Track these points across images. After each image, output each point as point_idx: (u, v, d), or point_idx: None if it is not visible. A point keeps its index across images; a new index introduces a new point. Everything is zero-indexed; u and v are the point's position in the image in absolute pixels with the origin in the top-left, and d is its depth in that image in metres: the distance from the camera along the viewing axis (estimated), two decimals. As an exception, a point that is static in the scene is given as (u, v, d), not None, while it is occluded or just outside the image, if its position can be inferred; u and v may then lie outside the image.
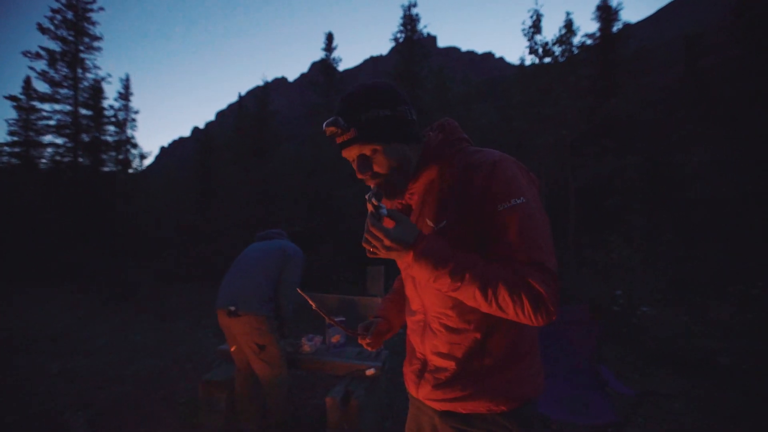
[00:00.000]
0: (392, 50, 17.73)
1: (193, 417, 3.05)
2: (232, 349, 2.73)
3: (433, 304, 1.05)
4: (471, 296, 0.86)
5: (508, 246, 0.86)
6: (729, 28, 10.91)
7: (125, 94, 22.74)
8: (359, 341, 1.24)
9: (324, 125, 0.95)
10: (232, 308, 2.55)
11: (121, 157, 19.32)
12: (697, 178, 8.50)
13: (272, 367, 2.62)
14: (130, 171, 20.06)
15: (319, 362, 2.92)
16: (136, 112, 21.67)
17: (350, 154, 0.99)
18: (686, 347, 4.17)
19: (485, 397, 0.99)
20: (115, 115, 18.40)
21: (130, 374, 4.13)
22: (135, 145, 20.10)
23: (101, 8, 16.49)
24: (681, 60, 18.82)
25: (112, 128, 18.12)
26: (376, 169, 0.98)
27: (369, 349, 1.24)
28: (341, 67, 22.87)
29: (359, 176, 1.00)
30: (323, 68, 22.84)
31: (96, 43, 16.46)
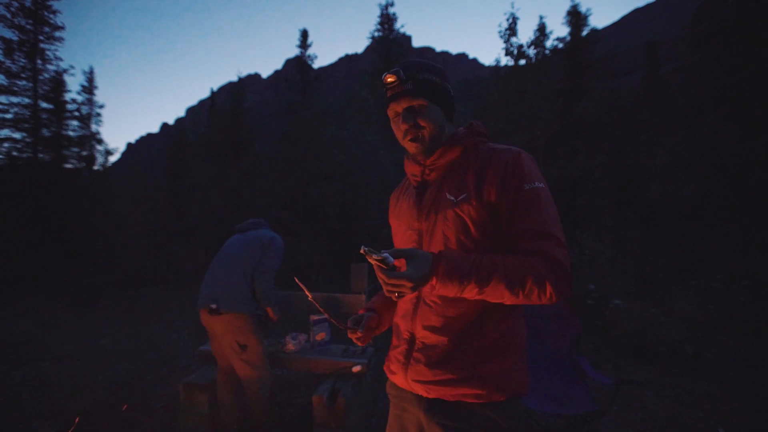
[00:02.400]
0: (367, 48, 17.67)
1: (173, 421, 2.95)
2: (212, 350, 2.66)
3: None
4: (499, 297, 0.91)
5: (531, 220, 0.96)
6: (687, 36, 11.55)
7: (89, 88, 21.61)
8: (349, 335, 1.22)
9: (385, 74, 1.09)
10: (213, 306, 2.48)
11: (85, 153, 18.37)
12: (659, 177, 8.96)
13: (254, 367, 2.56)
14: (95, 168, 19.11)
15: (304, 360, 2.89)
16: (101, 107, 20.64)
17: (399, 105, 1.09)
18: (655, 338, 4.39)
19: (477, 384, 0.98)
20: (78, 109, 17.44)
21: (102, 381, 3.95)
22: (100, 141, 19.13)
23: (63, -4, 15.58)
24: (643, 66, 19.81)
25: (74, 123, 17.19)
26: (419, 121, 1.07)
27: (359, 344, 1.22)
28: (316, 65, 22.66)
29: (403, 126, 1.08)
30: (298, 65, 22.56)
31: (57, 33, 15.54)
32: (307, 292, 1.13)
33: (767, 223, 8.26)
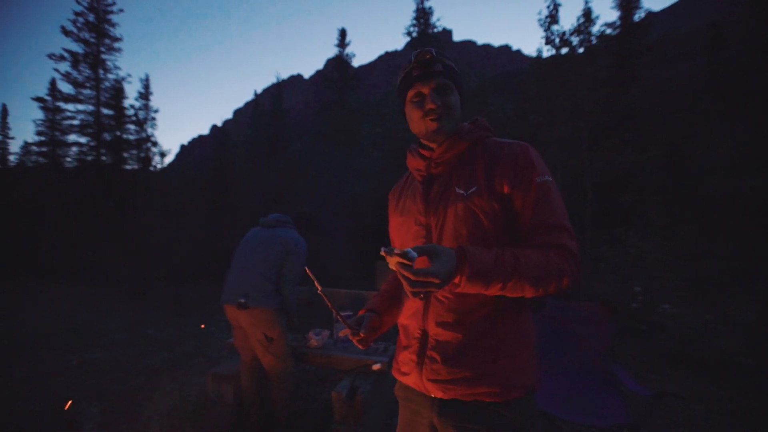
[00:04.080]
0: (407, 45, 17.59)
1: (203, 409, 3.09)
2: (236, 343, 2.77)
3: None
4: (519, 292, 0.91)
5: (545, 213, 0.98)
6: (755, 15, 10.41)
7: (145, 94, 23.23)
8: (350, 338, 1.20)
9: (418, 51, 1.10)
10: (242, 300, 2.57)
11: (142, 155, 19.81)
12: (719, 172, 8.15)
13: (280, 360, 2.64)
14: (151, 169, 20.54)
15: (326, 357, 2.92)
16: (156, 111, 22.07)
17: (428, 85, 1.07)
18: (707, 347, 4.01)
19: (494, 381, 0.98)
20: (135, 114, 18.84)
21: (144, 367, 4.23)
22: (155, 144, 20.53)
23: (121, 10, 16.85)
24: (704, 50, 18.11)
25: (132, 127, 18.57)
26: (446, 101, 1.07)
27: (360, 346, 1.18)
28: (356, 63, 22.93)
29: (430, 106, 1.06)
30: (337, 64, 22.91)
31: (116, 44, 16.85)
32: (317, 285, 1.10)
33: None
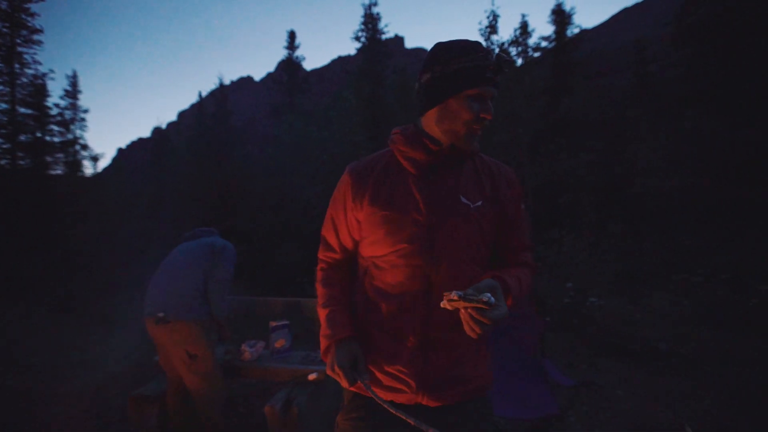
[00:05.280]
0: (358, 51, 17.62)
1: (125, 435, 2.85)
2: (160, 360, 2.56)
3: (448, 278, 0.99)
4: (513, 305, 0.97)
5: (523, 235, 1.13)
6: (671, 34, 11.60)
7: (73, 92, 21.35)
8: (359, 390, 1.05)
9: (500, 50, 1.02)
10: (161, 315, 2.36)
11: (69, 159, 18.15)
12: (643, 174, 8.98)
13: (205, 378, 2.45)
14: (82, 174, 18.89)
15: (262, 369, 2.80)
16: (86, 111, 20.42)
17: (490, 91, 0.99)
18: (630, 336, 4.35)
19: (485, 377, 1.08)
20: (60, 114, 17.24)
21: (64, 393, 3.82)
22: (85, 147, 18.94)
23: (41, -1, 15.36)
24: (631, 65, 19.90)
25: (57, 128, 16.96)
26: (489, 115, 1.02)
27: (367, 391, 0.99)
28: (309, 66, 22.68)
29: (484, 115, 0.99)
30: (287, 67, 22.47)
31: (36, 36, 15.32)
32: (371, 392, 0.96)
33: (751, 217, 8.28)
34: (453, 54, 0.98)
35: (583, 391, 2.77)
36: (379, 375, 1.03)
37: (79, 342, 5.70)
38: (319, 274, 1.21)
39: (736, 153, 8.70)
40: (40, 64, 15.26)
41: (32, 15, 15.08)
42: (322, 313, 1.12)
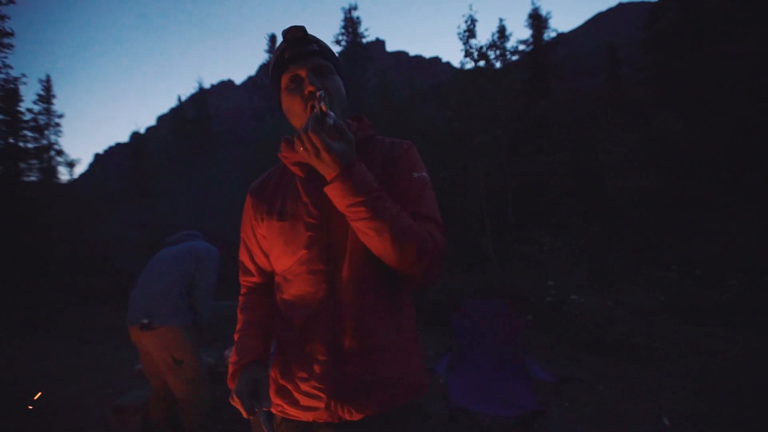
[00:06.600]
0: (339, 54, 17.65)
1: (105, 448, 2.78)
2: (143, 368, 2.51)
3: (352, 279, 0.92)
4: (375, 239, 0.85)
5: (417, 204, 0.94)
6: (641, 39, 12.07)
7: (46, 97, 20.74)
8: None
9: (287, 28, 0.95)
10: (145, 321, 2.32)
11: (44, 165, 17.58)
12: (617, 173, 9.28)
13: (190, 384, 2.42)
14: (57, 180, 18.32)
15: (246, 375, 2.77)
16: (60, 116, 19.85)
17: (303, 66, 0.94)
18: (609, 331, 4.48)
19: (414, 376, 0.96)
20: (34, 119, 16.68)
21: (39, 406, 3.69)
22: (60, 152, 18.38)
23: (11, 1, 14.86)
24: (603, 68, 20.55)
25: (30, 134, 16.39)
26: (326, 85, 0.95)
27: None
28: (288, 70, 22.66)
29: (309, 89, 0.93)
30: (268, 71, 22.33)
31: (6, 40, 14.79)
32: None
33: (718, 212, 8.64)
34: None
35: (564, 386, 2.84)
36: (296, 395, 0.95)
37: (54, 355, 5.52)
38: (239, 300, 1.16)
39: (703, 152, 9.09)
40: (11, 68, 14.73)
41: (2, 18, 14.57)
42: (235, 340, 1.08)
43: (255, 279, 1.14)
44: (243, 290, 1.17)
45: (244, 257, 1.14)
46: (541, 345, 4.61)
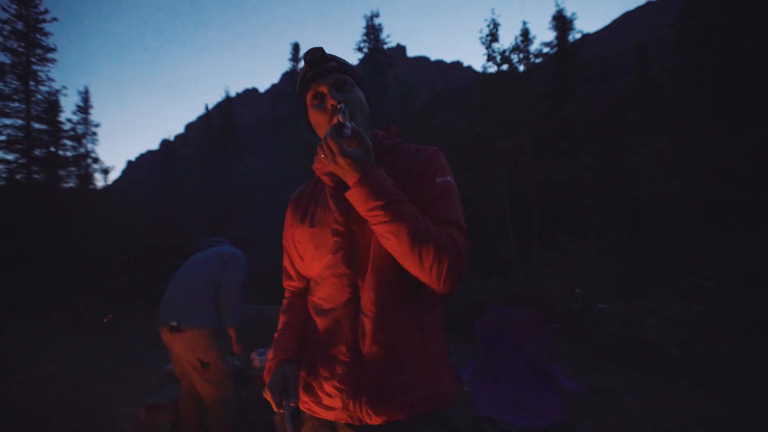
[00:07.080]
0: (360, 61, 17.87)
1: (138, 444, 2.88)
2: (174, 369, 2.60)
3: (374, 284, 0.95)
4: (394, 243, 0.88)
5: (438, 208, 0.95)
6: (673, 37, 11.64)
7: (84, 107, 21.89)
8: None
9: (307, 51, 1.02)
10: (174, 323, 2.41)
11: (81, 172, 18.51)
12: (647, 176, 8.94)
13: (216, 386, 2.48)
14: (93, 187, 19.26)
15: (271, 377, 2.82)
16: (97, 126, 20.91)
17: (325, 83, 1.01)
18: (640, 341, 4.31)
19: (438, 384, 0.95)
20: (73, 129, 17.64)
21: (75, 402, 3.87)
22: (96, 160, 19.34)
23: (54, 18, 15.85)
24: (632, 68, 19.92)
25: (70, 143, 17.35)
26: (348, 96, 1.01)
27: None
28: (311, 77, 23.05)
29: (331, 102, 0.99)
30: (291, 78, 22.77)
31: (49, 55, 15.78)
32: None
33: (758, 218, 8.19)
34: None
35: (593, 397, 2.76)
36: (320, 394, 0.99)
37: (89, 353, 5.76)
38: (283, 303, 1.24)
39: (740, 153, 8.64)
40: (53, 81, 15.72)
41: (46, 34, 15.53)
42: (275, 338, 1.15)
43: (296, 283, 1.22)
44: (287, 293, 1.25)
45: (286, 263, 1.23)
46: (567, 354, 4.48)
